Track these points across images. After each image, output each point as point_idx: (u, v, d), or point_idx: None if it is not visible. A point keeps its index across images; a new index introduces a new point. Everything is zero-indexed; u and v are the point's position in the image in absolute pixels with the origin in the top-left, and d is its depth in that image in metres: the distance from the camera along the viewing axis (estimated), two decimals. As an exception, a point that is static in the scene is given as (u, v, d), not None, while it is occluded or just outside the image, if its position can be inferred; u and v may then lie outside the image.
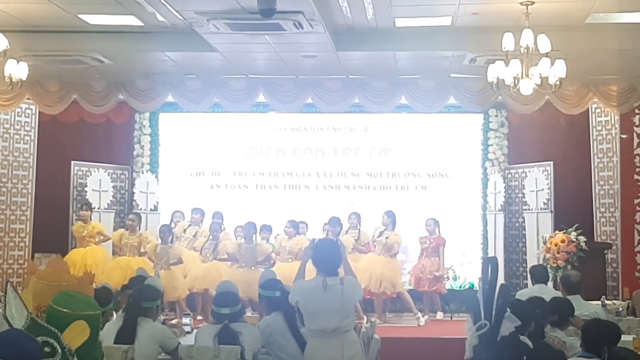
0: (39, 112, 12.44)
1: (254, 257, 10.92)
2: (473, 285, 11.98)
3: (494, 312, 3.52)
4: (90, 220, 11.85)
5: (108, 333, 5.67)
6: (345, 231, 11.15)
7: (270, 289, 6.13)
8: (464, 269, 12.05)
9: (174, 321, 9.40)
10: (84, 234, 11.64)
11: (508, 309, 3.60)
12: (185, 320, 8.30)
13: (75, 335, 2.87)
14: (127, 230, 11.61)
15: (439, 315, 11.25)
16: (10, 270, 12.29)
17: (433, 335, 10.16)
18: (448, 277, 11.67)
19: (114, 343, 5.60)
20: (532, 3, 8.37)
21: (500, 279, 11.50)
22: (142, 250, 11.43)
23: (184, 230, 11.82)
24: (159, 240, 11.17)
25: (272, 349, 5.84)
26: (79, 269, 10.64)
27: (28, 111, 12.52)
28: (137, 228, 11.62)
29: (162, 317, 7.21)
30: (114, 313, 6.52)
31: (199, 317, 10.71)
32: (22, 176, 12.47)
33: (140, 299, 5.92)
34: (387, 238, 11.04)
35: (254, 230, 11.13)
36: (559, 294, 7.47)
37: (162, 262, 10.91)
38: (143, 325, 5.76)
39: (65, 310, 2.91)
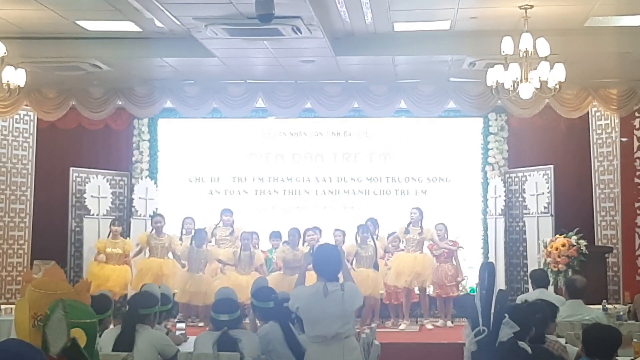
0: (37, 118, 12.44)
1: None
2: (474, 290, 11.97)
3: (492, 317, 3.52)
4: (120, 237, 11.84)
5: (106, 341, 5.67)
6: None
7: (263, 300, 6.12)
8: (465, 273, 12.01)
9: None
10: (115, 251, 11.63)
11: (506, 315, 3.59)
12: (180, 325, 8.31)
13: (72, 343, 2.87)
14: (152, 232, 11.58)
15: (449, 323, 11.31)
16: (9, 278, 12.29)
17: (433, 340, 10.16)
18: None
19: (113, 351, 5.59)
20: (531, 7, 8.38)
21: (501, 284, 11.62)
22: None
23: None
24: (192, 243, 11.14)
25: (270, 356, 5.83)
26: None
27: (26, 118, 12.52)
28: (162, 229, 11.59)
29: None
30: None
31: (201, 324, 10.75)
32: (21, 183, 12.47)
33: (137, 306, 5.91)
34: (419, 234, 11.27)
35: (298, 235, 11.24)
36: (560, 298, 7.48)
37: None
38: (141, 332, 5.76)
39: (62, 318, 2.91)
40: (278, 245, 11.43)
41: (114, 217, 12.20)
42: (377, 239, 11.25)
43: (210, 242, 11.49)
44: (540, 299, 6.21)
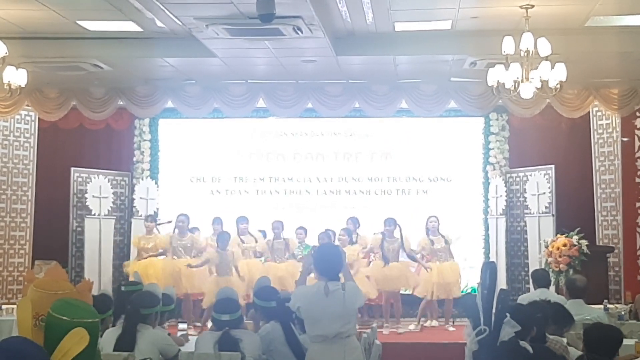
0: (39, 118, 12.45)
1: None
2: (475, 290, 11.97)
3: (493, 317, 3.52)
4: (154, 232, 11.88)
5: (107, 340, 5.67)
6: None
7: (266, 299, 6.11)
8: (466, 273, 12.01)
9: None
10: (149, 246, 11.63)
11: (507, 314, 3.60)
12: (182, 326, 8.33)
13: (75, 342, 2.88)
14: (175, 231, 11.44)
15: (450, 325, 11.26)
16: (10, 278, 12.29)
17: (434, 340, 10.17)
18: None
19: (114, 350, 5.60)
20: (532, 6, 8.39)
21: (502, 284, 11.62)
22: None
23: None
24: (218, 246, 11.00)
25: (272, 356, 5.83)
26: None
27: (27, 118, 12.53)
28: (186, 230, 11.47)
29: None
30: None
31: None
32: (22, 183, 12.48)
33: (139, 305, 5.91)
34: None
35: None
36: (561, 298, 7.48)
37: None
38: (143, 332, 5.76)
39: (64, 317, 2.92)
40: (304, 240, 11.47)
41: (151, 215, 12.22)
42: (357, 238, 11.26)
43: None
44: (541, 298, 6.21)
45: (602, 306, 8.21)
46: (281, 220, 11.51)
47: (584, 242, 10.92)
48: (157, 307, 6.09)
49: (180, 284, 10.74)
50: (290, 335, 5.79)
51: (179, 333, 7.84)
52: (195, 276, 11.08)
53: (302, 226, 11.74)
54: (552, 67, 8.44)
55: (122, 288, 7.08)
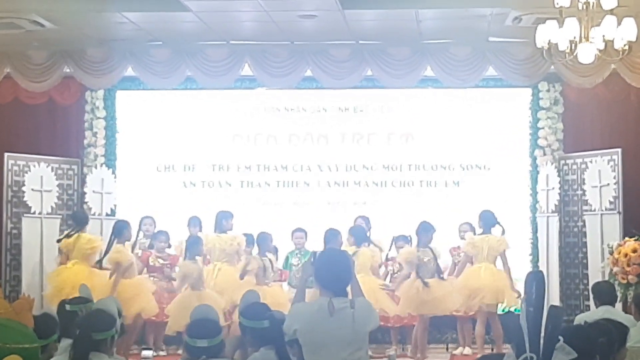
0: (-37, 90, 12.49)
1: None
2: (518, 309, 12.00)
3: (542, 341, 3.52)
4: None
5: (52, 372, 5.68)
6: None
7: (255, 318, 6.09)
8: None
9: None
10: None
11: (561, 338, 3.59)
12: (146, 353, 8.38)
13: (8, 374, 2.90)
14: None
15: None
16: None
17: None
18: None
19: (60, 385, 5.62)
20: (594, -56, 8.38)
21: (554, 299, 11.60)
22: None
23: None
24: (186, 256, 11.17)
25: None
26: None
27: (-51, 90, 12.58)
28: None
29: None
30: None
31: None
32: (-58, 173, 12.52)
33: (90, 329, 5.90)
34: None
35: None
36: (629, 318, 7.49)
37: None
38: (96, 362, 5.77)
39: (-5, 343, 2.94)
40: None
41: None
42: (369, 241, 11.32)
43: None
44: (605, 318, 6.21)
45: (681, 329, 8.21)
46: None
47: (659, 247, 10.94)
48: (113, 330, 6.07)
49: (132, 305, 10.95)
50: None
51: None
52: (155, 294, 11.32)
53: (301, 227, 11.74)
54: (619, 24, 8.43)
55: (67, 307, 7.06)
